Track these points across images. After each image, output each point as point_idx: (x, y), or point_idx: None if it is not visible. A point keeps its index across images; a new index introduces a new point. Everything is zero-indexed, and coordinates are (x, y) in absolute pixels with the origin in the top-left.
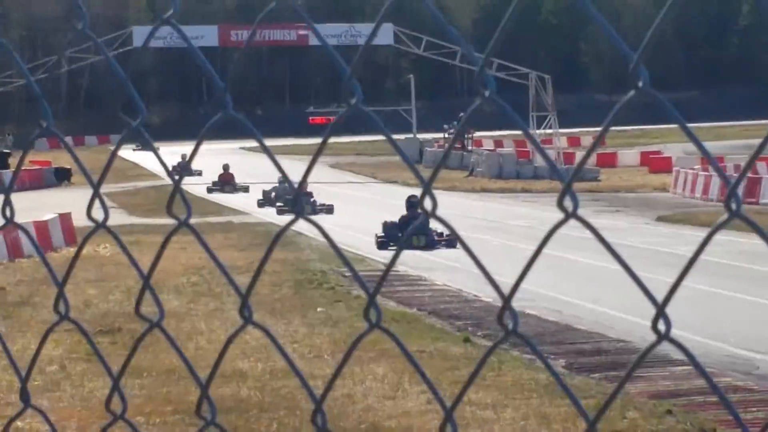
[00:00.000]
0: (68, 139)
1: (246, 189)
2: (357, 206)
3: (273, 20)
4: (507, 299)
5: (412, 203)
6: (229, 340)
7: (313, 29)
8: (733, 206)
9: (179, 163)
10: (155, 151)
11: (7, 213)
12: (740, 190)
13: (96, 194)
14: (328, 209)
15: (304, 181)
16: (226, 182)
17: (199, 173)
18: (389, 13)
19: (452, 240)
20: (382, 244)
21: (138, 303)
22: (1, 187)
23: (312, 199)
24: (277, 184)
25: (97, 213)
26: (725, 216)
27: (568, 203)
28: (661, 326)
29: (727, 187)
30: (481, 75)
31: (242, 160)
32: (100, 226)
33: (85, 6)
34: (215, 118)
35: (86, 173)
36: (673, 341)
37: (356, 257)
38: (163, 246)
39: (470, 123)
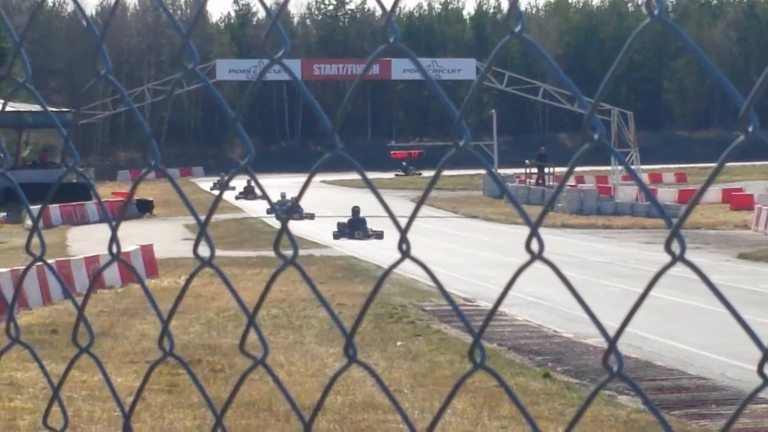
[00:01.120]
0: (151, 174)
1: (312, 216)
2: (437, 240)
3: (355, 55)
4: (613, 341)
5: (355, 211)
6: (333, 379)
7: (421, 69)
8: None
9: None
10: (264, 192)
11: (114, 249)
12: None
13: (203, 233)
14: (309, 216)
15: (410, 223)
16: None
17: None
18: (472, 48)
19: (380, 234)
20: (336, 236)
21: (242, 340)
22: (108, 221)
23: (300, 209)
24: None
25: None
26: None
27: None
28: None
29: None
30: (590, 118)
31: (326, 194)
32: (206, 263)
33: (195, 48)
34: (325, 157)
35: (194, 212)
36: None
37: (437, 292)
38: (270, 284)
39: (552, 159)
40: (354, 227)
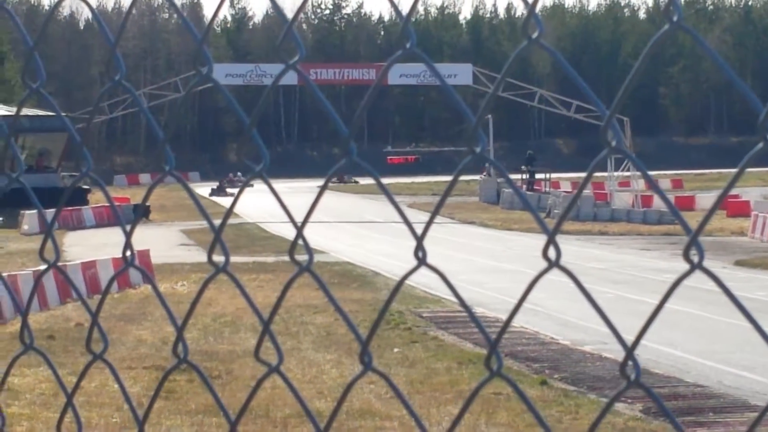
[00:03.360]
0: (146, 176)
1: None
2: (434, 246)
3: (352, 59)
4: (630, 350)
5: (221, 182)
6: (349, 386)
7: (437, 76)
8: None
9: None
10: (279, 199)
11: (128, 255)
12: None
13: (217, 239)
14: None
15: (426, 231)
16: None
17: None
18: (468, 53)
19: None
20: (210, 195)
21: (257, 348)
22: (122, 226)
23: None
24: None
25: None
26: None
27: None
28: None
29: None
30: (607, 126)
31: (323, 200)
32: (221, 269)
33: (209, 53)
34: (339, 164)
35: (209, 219)
36: None
37: (434, 298)
38: (285, 290)
39: (547, 165)
40: (220, 189)
